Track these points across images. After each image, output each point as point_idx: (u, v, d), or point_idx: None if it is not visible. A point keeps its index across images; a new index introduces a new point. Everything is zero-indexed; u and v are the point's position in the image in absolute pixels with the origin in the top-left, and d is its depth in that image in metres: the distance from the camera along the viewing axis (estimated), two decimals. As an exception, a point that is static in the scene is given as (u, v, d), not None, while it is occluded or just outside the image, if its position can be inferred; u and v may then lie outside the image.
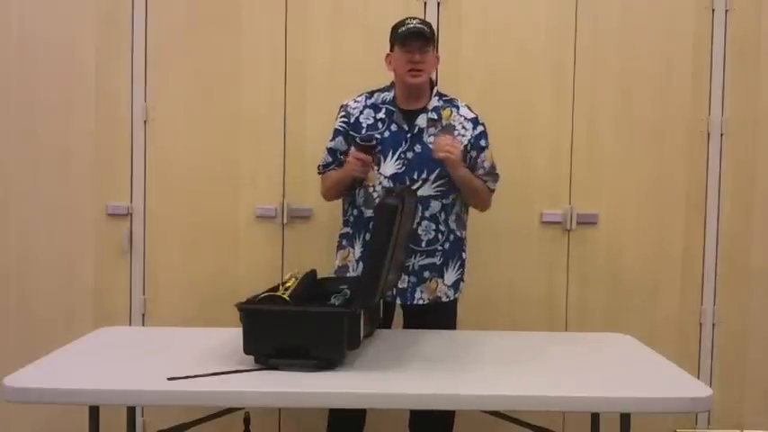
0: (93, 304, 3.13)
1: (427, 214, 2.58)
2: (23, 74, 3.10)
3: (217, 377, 1.96)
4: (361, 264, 2.59)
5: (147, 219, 3.12)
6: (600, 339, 2.57)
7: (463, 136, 2.60)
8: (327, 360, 2.04)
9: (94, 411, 2.04)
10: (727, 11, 3.11)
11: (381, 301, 2.48)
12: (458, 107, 2.65)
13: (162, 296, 3.13)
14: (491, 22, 3.12)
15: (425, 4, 3.10)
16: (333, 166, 2.66)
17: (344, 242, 2.67)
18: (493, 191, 2.70)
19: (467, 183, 2.57)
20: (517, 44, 3.11)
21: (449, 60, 3.10)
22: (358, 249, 2.62)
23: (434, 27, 3.06)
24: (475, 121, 2.64)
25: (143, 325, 3.12)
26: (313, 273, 2.48)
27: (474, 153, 2.62)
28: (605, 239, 3.14)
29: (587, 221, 3.13)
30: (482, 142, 2.63)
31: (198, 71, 3.11)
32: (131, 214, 3.12)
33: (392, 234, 2.09)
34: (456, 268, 2.64)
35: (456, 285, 2.66)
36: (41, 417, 3.07)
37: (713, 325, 3.16)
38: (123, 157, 3.12)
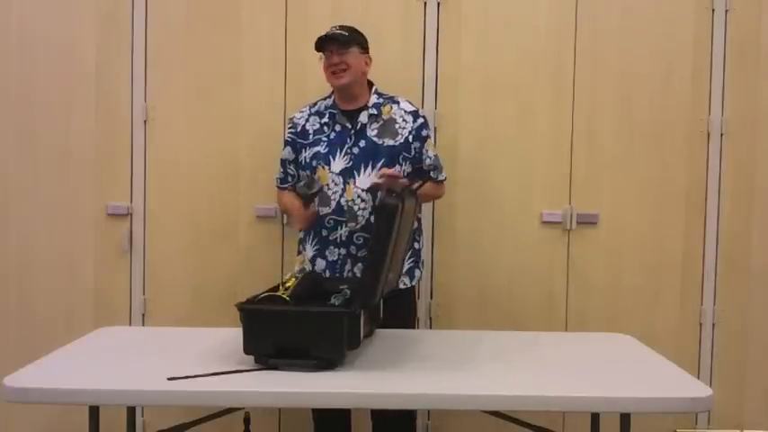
0: (93, 304, 3.13)
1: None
2: (23, 74, 3.11)
3: (217, 377, 1.96)
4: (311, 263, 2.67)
5: (147, 219, 3.12)
6: (600, 339, 2.57)
7: (404, 128, 2.67)
8: (327, 360, 2.03)
9: (94, 411, 2.03)
10: (727, 11, 3.11)
11: (381, 300, 2.48)
12: (398, 102, 2.73)
13: (162, 296, 3.13)
14: (491, 23, 3.12)
15: (425, 4, 3.10)
16: (288, 185, 2.76)
17: (300, 247, 2.76)
18: (442, 181, 2.78)
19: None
20: (517, 44, 3.11)
21: (449, 61, 3.11)
22: (310, 250, 2.69)
23: (436, 27, 3.09)
24: (415, 114, 2.72)
25: (143, 325, 3.12)
26: (313, 273, 2.49)
27: (417, 144, 2.69)
28: (605, 239, 3.14)
29: (587, 221, 3.13)
30: (423, 132, 2.71)
31: (198, 71, 3.11)
32: (131, 214, 3.12)
33: (392, 234, 2.09)
34: (408, 257, 2.70)
35: (411, 273, 2.72)
36: (41, 417, 3.07)
37: (713, 325, 3.16)
38: (123, 157, 3.12)
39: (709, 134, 3.14)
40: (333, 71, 2.64)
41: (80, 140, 3.11)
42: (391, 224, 2.08)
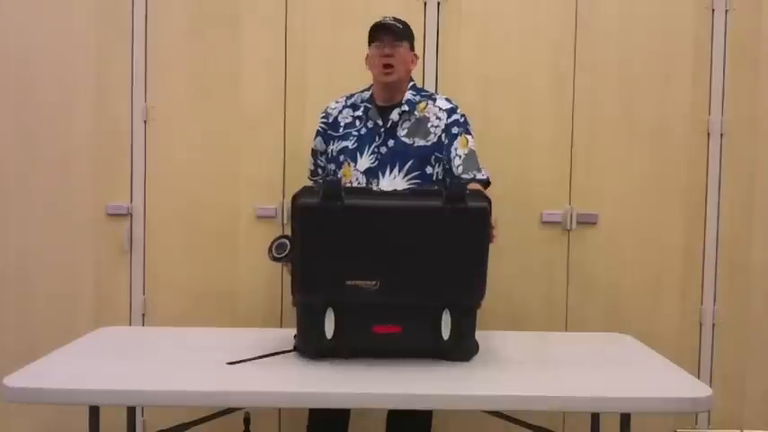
0: (93, 304, 3.13)
1: None
2: (23, 74, 3.11)
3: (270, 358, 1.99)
4: None
5: (147, 219, 3.12)
6: (600, 339, 2.57)
7: (437, 126, 2.57)
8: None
9: (94, 411, 2.03)
10: (727, 11, 3.11)
11: None
12: (434, 99, 2.63)
13: (162, 296, 3.13)
14: (491, 22, 3.12)
15: (425, 4, 3.10)
16: (318, 177, 2.70)
17: None
18: (481, 180, 2.52)
19: None
20: (517, 44, 3.12)
21: (449, 60, 3.11)
22: None
23: (436, 27, 3.09)
24: (450, 111, 2.59)
25: (143, 325, 3.12)
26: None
27: (446, 141, 2.56)
28: (605, 239, 3.14)
29: (587, 221, 3.13)
30: (454, 129, 2.56)
31: (198, 71, 3.11)
32: (131, 214, 3.12)
33: (486, 237, 2.09)
34: None
35: None
36: (41, 417, 3.07)
37: (713, 325, 3.16)
38: (123, 157, 3.12)
39: (709, 134, 3.14)
40: (384, 65, 2.52)
41: (80, 140, 3.11)
42: (484, 227, 2.07)
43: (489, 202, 2.11)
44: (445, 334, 2.11)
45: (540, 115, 3.12)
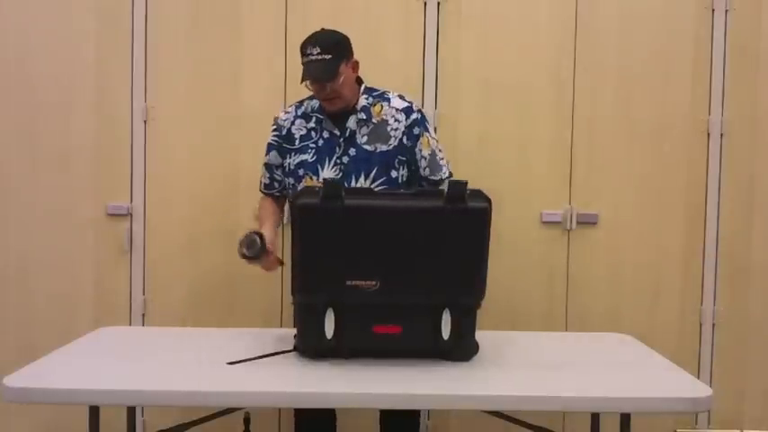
0: (93, 304, 3.13)
1: None
2: (23, 74, 3.11)
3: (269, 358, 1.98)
4: None
5: (147, 219, 3.12)
6: (600, 339, 2.56)
7: (396, 129, 2.47)
8: None
9: (94, 411, 2.03)
10: (727, 11, 3.11)
11: None
12: (388, 99, 2.51)
13: (162, 296, 3.13)
14: (491, 23, 3.12)
15: (425, 4, 3.10)
16: (274, 191, 2.60)
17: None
18: (448, 178, 2.51)
19: None
20: (517, 44, 3.12)
21: (449, 60, 3.11)
22: None
23: (436, 27, 3.09)
24: (408, 110, 2.50)
25: (143, 325, 3.12)
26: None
27: (411, 144, 2.48)
28: (605, 239, 3.14)
29: (587, 221, 3.13)
30: (415, 130, 2.48)
31: (198, 71, 3.11)
32: (131, 214, 3.12)
33: (487, 236, 2.09)
34: None
35: None
36: (41, 417, 3.07)
37: (713, 325, 3.16)
38: (123, 157, 3.12)
39: (709, 134, 3.14)
40: (323, 99, 2.42)
41: (80, 140, 3.11)
42: (484, 227, 2.07)
43: (489, 201, 2.11)
44: (445, 334, 2.10)
45: (540, 115, 3.12)
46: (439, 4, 3.10)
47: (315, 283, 2.09)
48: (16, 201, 3.12)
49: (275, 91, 3.10)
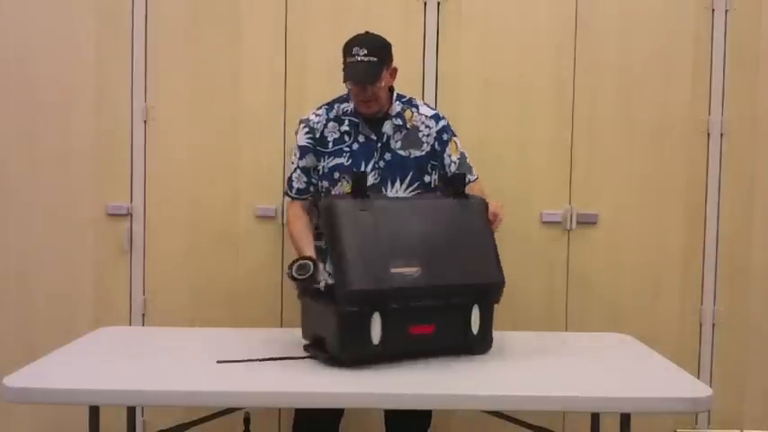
0: (93, 304, 3.13)
1: None
2: (23, 74, 3.11)
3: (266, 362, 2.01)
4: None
5: (147, 219, 3.12)
6: (600, 339, 2.57)
7: (428, 135, 2.58)
8: None
9: (94, 411, 2.04)
10: (727, 11, 3.11)
11: None
12: (417, 106, 2.61)
13: (162, 296, 3.13)
14: (491, 23, 3.12)
15: (425, 4, 3.10)
16: (308, 195, 2.57)
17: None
18: (474, 181, 2.62)
19: None
20: (517, 44, 3.12)
21: (449, 60, 3.11)
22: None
23: (436, 28, 3.09)
24: (436, 117, 2.61)
25: (143, 325, 3.12)
26: None
27: (439, 148, 2.59)
28: (605, 239, 3.14)
29: (587, 221, 3.13)
30: (444, 136, 2.59)
31: (198, 71, 3.11)
32: (131, 214, 3.12)
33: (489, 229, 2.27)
34: None
35: None
36: (41, 417, 3.07)
37: (713, 325, 3.16)
38: (123, 157, 3.12)
39: (709, 134, 3.14)
40: (360, 101, 2.46)
41: (80, 140, 3.11)
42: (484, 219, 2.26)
43: (486, 205, 2.24)
44: (474, 328, 2.17)
45: (540, 115, 3.12)
46: (439, 4, 3.10)
47: (363, 275, 2.05)
48: (16, 201, 3.12)
49: (275, 91, 3.10)
